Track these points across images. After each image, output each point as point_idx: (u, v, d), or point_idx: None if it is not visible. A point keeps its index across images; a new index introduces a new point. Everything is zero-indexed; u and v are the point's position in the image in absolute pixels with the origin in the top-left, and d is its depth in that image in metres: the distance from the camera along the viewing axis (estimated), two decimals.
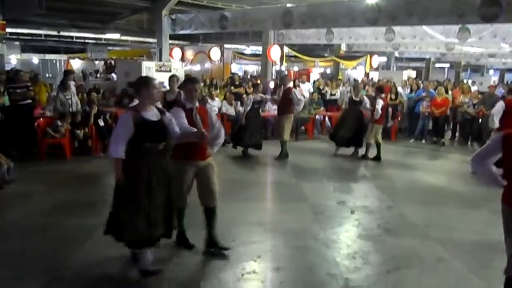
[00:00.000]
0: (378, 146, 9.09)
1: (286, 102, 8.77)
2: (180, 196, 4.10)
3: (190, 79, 4.56)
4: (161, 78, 12.37)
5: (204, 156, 4.24)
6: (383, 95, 9.41)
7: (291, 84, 9.72)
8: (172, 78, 8.27)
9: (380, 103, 8.87)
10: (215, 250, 4.32)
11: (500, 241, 3.22)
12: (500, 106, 7.38)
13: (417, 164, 9.16)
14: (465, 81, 20.63)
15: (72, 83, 9.54)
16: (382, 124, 9.41)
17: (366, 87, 13.91)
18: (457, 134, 12.15)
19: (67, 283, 3.86)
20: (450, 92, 12.69)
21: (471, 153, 10.55)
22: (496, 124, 7.26)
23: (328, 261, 4.36)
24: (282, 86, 8.99)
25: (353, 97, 9.34)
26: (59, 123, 8.34)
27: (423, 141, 11.53)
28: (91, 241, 4.59)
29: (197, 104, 4.23)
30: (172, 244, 4.38)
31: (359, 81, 15.48)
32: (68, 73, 9.90)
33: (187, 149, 4.07)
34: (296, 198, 6.45)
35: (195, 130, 3.96)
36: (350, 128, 9.18)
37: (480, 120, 11.10)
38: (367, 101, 9.18)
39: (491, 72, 33.77)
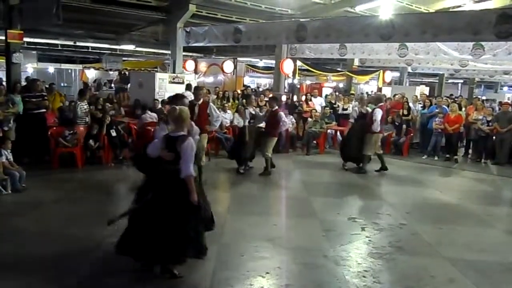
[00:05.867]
0: (379, 157, 9.25)
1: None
2: None
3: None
4: (175, 90, 12.49)
5: None
6: (381, 104, 9.24)
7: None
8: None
9: (379, 114, 8.82)
10: None
11: None
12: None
13: (429, 181, 9.05)
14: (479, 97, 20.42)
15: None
16: (382, 134, 9.57)
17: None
18: (470, 151, 12.01)
19: None
20: (463, 109, 12.57)
21: (484, 170, 10.36)
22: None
23: (338, 279, 4.29)
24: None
25: (361, 110, 9.61)
26: (67, 132, 8.43)
27: (436, 157, 11.38)
28: (100, 251, 4.60)
29: None
30: None
31: (365, 94, 15.34)
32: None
33: None
34: (306, 213, 6.39)
35: None
36: (355, 146, 9.14)
37: (494, 138, 10.98)
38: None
39: (505, 88, 33.45)
